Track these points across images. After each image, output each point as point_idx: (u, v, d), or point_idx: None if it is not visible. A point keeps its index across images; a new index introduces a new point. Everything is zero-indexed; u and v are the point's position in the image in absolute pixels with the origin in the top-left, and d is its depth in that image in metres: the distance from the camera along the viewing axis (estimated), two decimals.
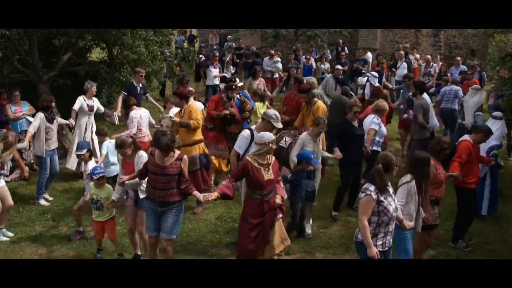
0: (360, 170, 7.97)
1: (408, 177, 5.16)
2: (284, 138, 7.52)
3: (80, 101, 8.93)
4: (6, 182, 7.82)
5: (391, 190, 4.83)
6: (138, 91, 10.02)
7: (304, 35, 19.32)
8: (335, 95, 10.99)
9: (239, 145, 6.44)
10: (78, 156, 6.92)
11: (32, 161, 9.33)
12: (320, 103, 8.29)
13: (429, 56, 16.88)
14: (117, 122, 9.52)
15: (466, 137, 6.89)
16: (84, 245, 6.67)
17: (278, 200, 5.61)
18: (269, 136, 5.55)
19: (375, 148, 7.97)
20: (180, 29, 19.05)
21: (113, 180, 7.33)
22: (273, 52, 16.57)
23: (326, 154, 7.34)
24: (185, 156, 5.49)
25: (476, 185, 6.82)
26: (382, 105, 8.22)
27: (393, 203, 4.77)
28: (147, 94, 10.71)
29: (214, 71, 14.48)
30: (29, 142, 8.58)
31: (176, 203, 5.41)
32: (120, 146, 5.77)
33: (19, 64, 10.37)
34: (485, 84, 14.75)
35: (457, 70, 15.04)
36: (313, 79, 10.46)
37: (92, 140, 8.92)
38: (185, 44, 21.49)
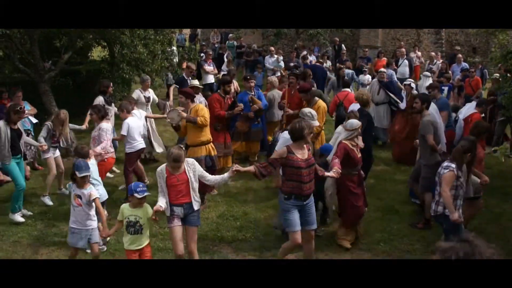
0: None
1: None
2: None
3: (137, 94, 9.60)
4: (8, 181, 7.90)
5: None
6: (189, 84, 10.36)
7: (305, 33, 19.31)
8: (378, 99, 10.86)
9: (280, 147, 6.31)
10: (82, 178, 5.69)
11: (32, 160, 9.36)
12: (320, 102, 8.32)
13: (433, 53, 16.86)
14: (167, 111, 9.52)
15: (474, 110, 8.27)
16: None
17: (362, 173, 6.79)
18: (357, 123, 6.52)
19: None
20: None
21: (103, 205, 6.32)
22: (273, 48, 16.57)
23: None
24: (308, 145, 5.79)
25: None
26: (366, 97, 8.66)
27: None
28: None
29: (208, 68, 14.58)
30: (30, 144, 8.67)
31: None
32: (177, 160, 5.32)
33: (20, 63, 10.40)
34: (486, 82, 14.73)
35: (458, 67, 15.01)
36: (274, 78, 10.53)
37: (149, 131, 9.30)
38: (186, 42, 21.51)
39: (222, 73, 14.98)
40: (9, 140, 7.12)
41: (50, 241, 6.74)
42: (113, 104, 9.23)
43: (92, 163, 6.55)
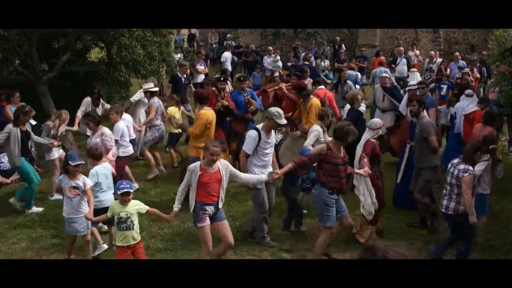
0: None
1: (487, 156, 6.32)
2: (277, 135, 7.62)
3: (140, 95, 9.81)
4: (7, 183, 7.90)
5: None
6: (183, 82, 10.82)
7: (303, 33, 19.32)
8: (384, 106, 10.29)
9: (248, 147, 6.47)
10: (75, 166, 5.89)
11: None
12: (314, 100, 8.24)
13: (432, 52, 16.88)
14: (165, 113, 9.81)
15: (475, 108, 8.58)
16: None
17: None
18: (380, 121, 6.95)
19: None
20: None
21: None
22: (271, 48, 16.56)
23: None
24: None
25: None
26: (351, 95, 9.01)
27: None
28: (190, 84, 11.57)
29: (200, 68, 14.61)
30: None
31: None
32: (213, 154, 5.46)
33: (18, 65, 10.40)
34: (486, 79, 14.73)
35: (456, 65, 15.01)
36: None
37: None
38: (184, 43, 21.53)
39: (207, 71, 15.11)
40: (19, 142, 7.26)
41: (49, 243, 6.73)
42: (100, 105, 9.36)
43: (106, 167, 6.42)
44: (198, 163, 5.61)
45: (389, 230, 7.10)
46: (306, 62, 14.55)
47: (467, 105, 8.97)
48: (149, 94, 9.42)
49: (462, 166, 5.78)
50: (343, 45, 19.43)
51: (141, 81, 12.21)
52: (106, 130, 7.29)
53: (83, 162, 6.03)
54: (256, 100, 9.06)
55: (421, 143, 7.00)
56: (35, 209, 7.66)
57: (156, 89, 9.73)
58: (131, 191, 5.40)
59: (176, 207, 5.62)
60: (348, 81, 11.71)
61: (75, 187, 5.87)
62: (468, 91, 9.58)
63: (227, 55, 16.97)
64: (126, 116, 8.55)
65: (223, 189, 5.65)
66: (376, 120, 6.97)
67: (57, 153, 8.06)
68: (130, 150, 7.96)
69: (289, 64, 15.78)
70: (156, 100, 9.25)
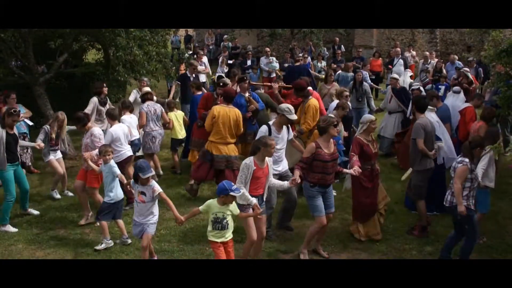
0: None
1: (488, 148, 6.34)
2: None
3: (134, 94, 10.04)
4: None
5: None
6: (191, 81, 10.87)
7: (300, 34, 19.33)
8: (390, 107, 10.43)
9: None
10: (146, 179, 5.67)
11: (30, 164, 9.33)
12: (312, 101, 8.19)
13: (427, 53, 16.91)
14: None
15: (468, 104, 8.81)
16: (81, 246, 6.65)
17: (378, 167, 6.92)
18: (370, 116, 6.83)
19: None
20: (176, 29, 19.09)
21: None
22: (268, 49, 16.57)
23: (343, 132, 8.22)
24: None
25: None
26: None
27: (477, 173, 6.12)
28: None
29: (200, 68, 14.58)
30: (26, 148, 8.69)
31: None
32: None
33: (15, 66, 10.37)
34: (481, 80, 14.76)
35: (452, 66, 15.04)
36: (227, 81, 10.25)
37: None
38: (181, 44, 21.53)
39: (217, 74, 14.97)
40: (4, 144, 6.92)
41: (46, 245, 6.70)
42: (107, 105, 9.29)
43: (112, 164, 6.56)
44: (251, 159, 5.71)
45: (386, 231, 7.11)
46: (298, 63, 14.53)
47: (454, 101, 9.19)
48: (141, 98, 9.23)
49: (459, 158, 5.99)
50: (342, 46, 19.49)
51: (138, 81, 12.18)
52: (95, 130, 7.26)
53: (154, 173, 5.92)
54: (258, 102, 9.04)
55: (413, 145, 7.01)
56: (9, 228, 7.11)
57: (148, 89, 9.42)
58: (237, 194, 5.32)
59: (253, 201, 5.62)
60: (364, 83, 11.44)
61: (142, 193, 5.72)
62: (455, 88, 9.75)
63: None
64: (126, 117, 8.42)
65: (268, 183, 5.94)
66: (366, 115, 7.06)
67: (52, 155, 8.00)
68: (123, 155, 7.55)
69: (286, 65, 15.76)
70: (144, 106, 8.87)
